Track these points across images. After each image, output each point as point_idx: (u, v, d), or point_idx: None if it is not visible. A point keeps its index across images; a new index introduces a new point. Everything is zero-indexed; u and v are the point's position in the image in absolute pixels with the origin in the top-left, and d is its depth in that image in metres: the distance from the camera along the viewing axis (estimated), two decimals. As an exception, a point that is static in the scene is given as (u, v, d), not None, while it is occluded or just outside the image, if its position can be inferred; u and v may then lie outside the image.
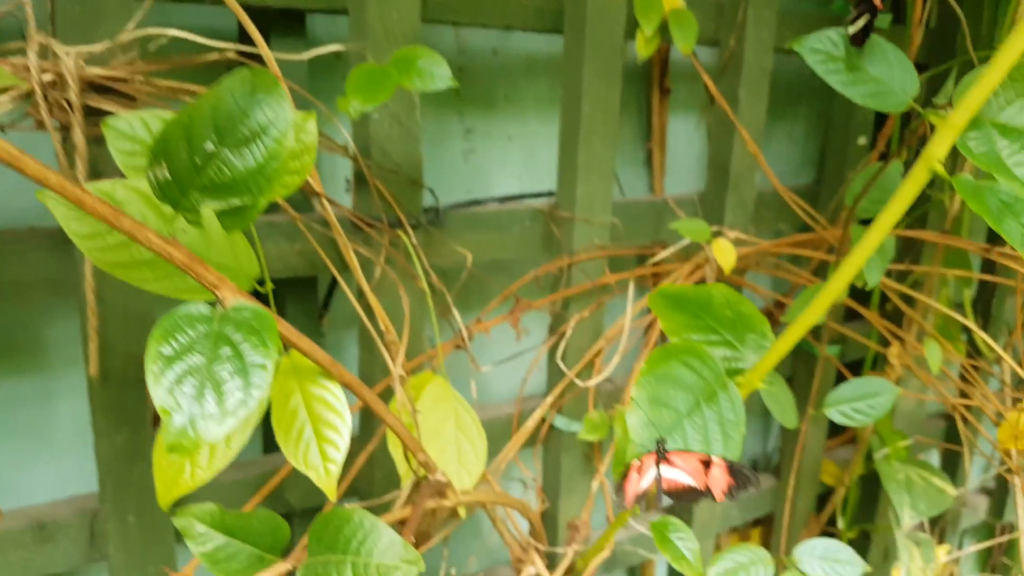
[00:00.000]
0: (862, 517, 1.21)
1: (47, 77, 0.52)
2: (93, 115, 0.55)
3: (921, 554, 1.16)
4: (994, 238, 1.10)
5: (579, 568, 0.77)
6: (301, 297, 0.74)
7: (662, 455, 0.46)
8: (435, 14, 0.69)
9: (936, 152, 0.43)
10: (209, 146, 0.36)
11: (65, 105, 0.54)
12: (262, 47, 0.60)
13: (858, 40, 0.51)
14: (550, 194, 0.80)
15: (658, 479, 0.46)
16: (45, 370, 0.71)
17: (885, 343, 1.02)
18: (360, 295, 0.69)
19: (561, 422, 0.84)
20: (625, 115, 0.97)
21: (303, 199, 0.71)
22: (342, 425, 0.44)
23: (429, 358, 0.70)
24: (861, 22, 0.50)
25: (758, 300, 1.06)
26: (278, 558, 0.48)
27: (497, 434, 0.82)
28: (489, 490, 0.67)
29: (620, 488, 0.46)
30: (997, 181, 0.41)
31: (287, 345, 0.47)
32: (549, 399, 0.82)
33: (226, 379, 0.33)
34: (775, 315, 1.01)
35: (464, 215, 0.74)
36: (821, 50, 0.53)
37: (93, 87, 0.55)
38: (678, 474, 0.46)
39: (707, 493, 0.46)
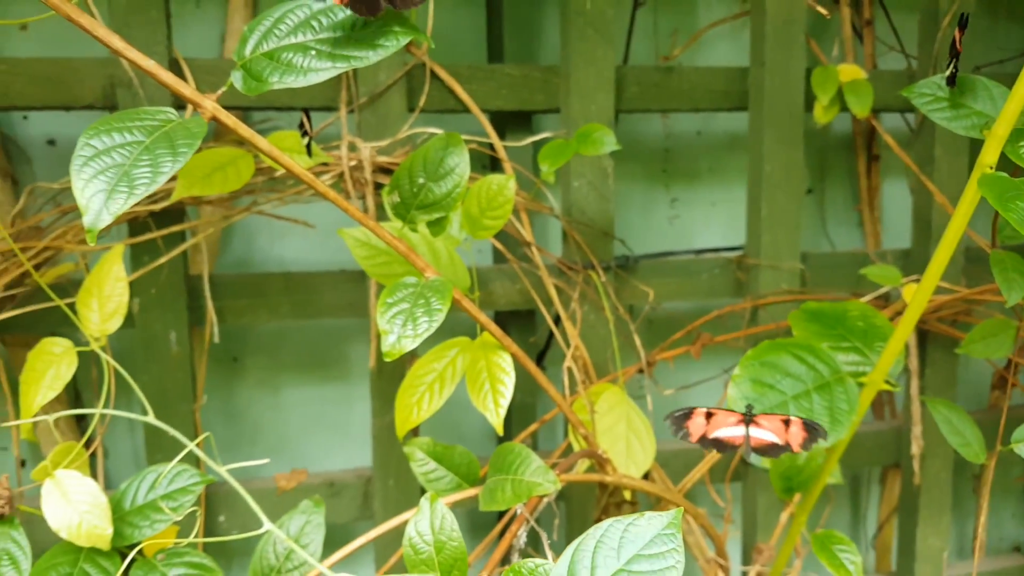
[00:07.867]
0: None
1: (352, 163, 0.79)
2: (380, 188, 0.81)
3: None
4: None
5: (760, 586, 0.83)
6: (522, 328, 0.94)
7: (749, 418, 0.56)
8: (629, 104, 0.88)
9: (986, 159, 0.50)
10: (421, 179, 0.57)
11: (363, 181, 0.80)
12: (493, 138, 0.83)
13: (950, 81, 0.59)
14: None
15: (746, 438, 0.56)
16: (347, 380, 0.98)
17: None
18: (559, 323, 0.86)
19: (754, 458, 0.92)
20: (836, 180, 1.06)
21: (524, 256, 0.92)
22: (509, 380, 0.61)
23: (613, 378, 0.84)
24: (951, 67, 0.59)
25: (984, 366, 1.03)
26: (471, 486, 0.66)
27: (690, 464, 0.92)
28: (655, 483, 0.78)
29: (680, 424, 0.57)
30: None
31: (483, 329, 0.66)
32: (737, 429, 0.91)
33: (419, 316, 0.53)
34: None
35: (655, 263, 0.89)
36: (928, 94, 0.62)
37: (381, 169, 0.82)
38: (763, 433, 0.56)
39: (787, 447, 0.55)
